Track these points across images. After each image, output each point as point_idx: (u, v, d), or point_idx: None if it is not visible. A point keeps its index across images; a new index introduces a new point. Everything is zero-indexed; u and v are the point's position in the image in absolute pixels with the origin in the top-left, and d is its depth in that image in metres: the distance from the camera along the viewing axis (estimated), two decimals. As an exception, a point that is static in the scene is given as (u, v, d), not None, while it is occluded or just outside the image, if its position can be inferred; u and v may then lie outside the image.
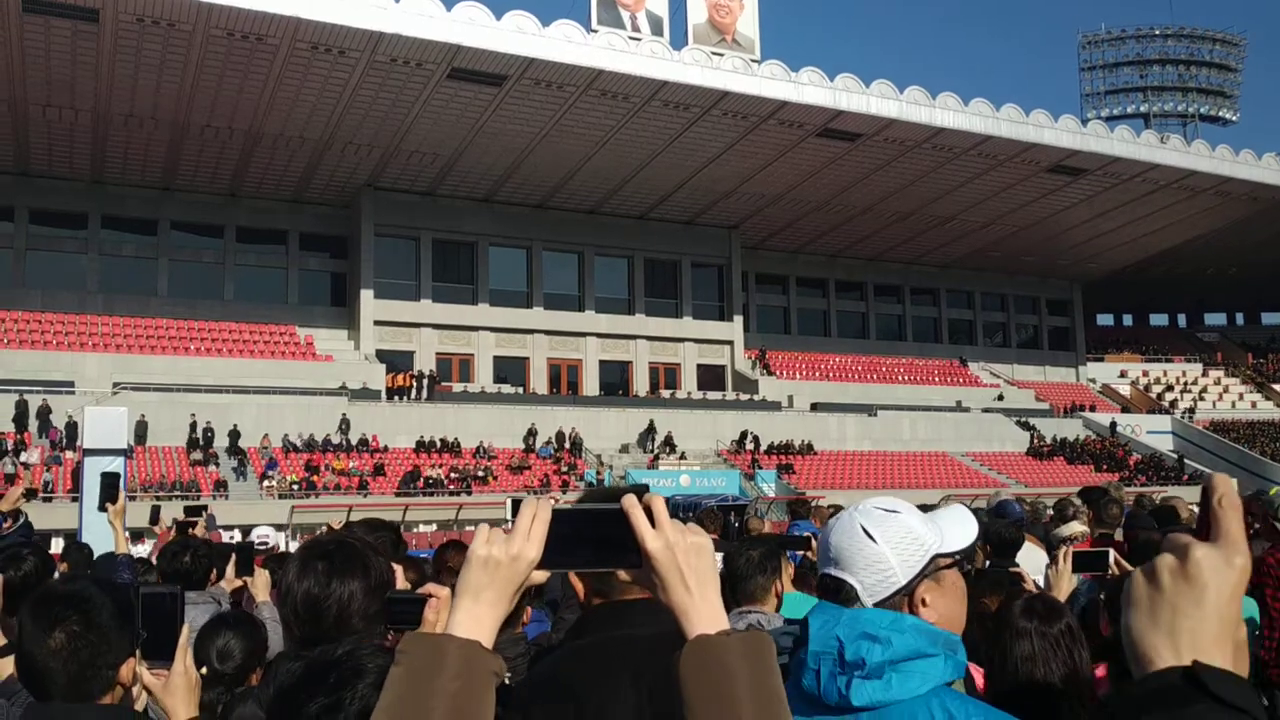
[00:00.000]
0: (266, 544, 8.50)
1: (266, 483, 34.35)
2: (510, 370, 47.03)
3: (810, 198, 48.15)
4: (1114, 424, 54.72)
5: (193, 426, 35.68)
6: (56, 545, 19.03)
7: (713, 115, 39.95)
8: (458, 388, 44.39)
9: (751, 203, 48.57)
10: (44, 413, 34.38)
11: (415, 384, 42.59)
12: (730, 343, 51.81)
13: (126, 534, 6.91)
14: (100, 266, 42.61)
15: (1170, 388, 63.54)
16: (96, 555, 7.11)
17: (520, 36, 35.25)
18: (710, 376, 51.01)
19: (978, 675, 3.12)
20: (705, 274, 51.87)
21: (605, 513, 1.35)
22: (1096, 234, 54.59)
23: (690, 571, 1.32)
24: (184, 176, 42.22)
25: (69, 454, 32.04)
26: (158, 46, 32.79)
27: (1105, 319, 74.17)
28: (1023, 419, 53.09)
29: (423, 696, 1.23)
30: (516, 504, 1.39)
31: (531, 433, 41.12)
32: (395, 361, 43.71)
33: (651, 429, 43.41)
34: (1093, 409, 57.74)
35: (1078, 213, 51.49)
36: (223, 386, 38.27)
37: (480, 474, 37.87)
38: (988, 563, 5.49)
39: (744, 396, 48.99)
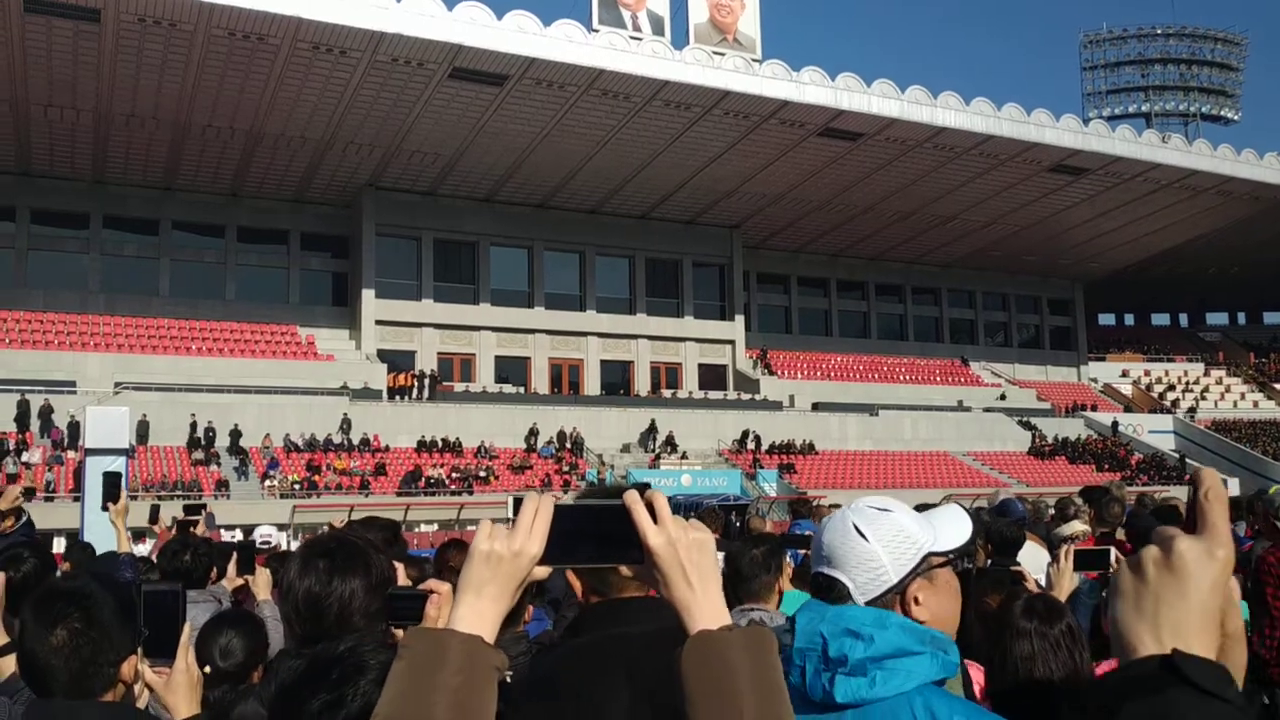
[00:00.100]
0: (269, 543, 8.50)
1: (268, 482, 34.37)
2: (511, 370, 47.04)
3: (811, 197, 48.15)
4: (1116, 424, 54.70)
5: (193, 426, 35.70)
6: (58, 545, 19.04)
7: (714, 115, 39.95)
8: (459, 387, 44.41)
9: (753, 202, 48.56)
10: (46, 412, 34.40)
11: (417, 384, 42.60)
12: (731, 342, 51.81)
13: (128, 533, 6.92)
14: (102, 266, 42.64)
15: (1172, 387, 63.51)
16: (98, 554, 7.10)
17: (521, 36, 35.26)
18: (712, 376, 51.01)
19: (979, 674, 3.12)
20: (706, 274, 51.87)
21: (607, 508, 1.36)
22: (1098, 233, 54.57)
23: (692, 567, 1.33)
24: (185, 176, 42.25)
25: (71, 454, 32.07)
26: (159, 46, 32.81)
27: (1107, 318, 74.16)
28: (1024, 419, 53.07)
29: (424, 691, 1.23)
30: (519, 502, 1.38)
31: (533, 432, 41.13)
32: (397, 361, 43.73)
33: (653, 429, 43.42)
34: (1094, 409, 57.73)
35: (1079, 212, 51.47)
36: (224, 386, 38.29)
37: (482, 474, 37.88)
38: (989, 561, 5.49)
39: (745, 396, 49.00)
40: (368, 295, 44.29)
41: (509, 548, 1.32)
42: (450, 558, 4.98)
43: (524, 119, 39.15)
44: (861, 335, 58.07)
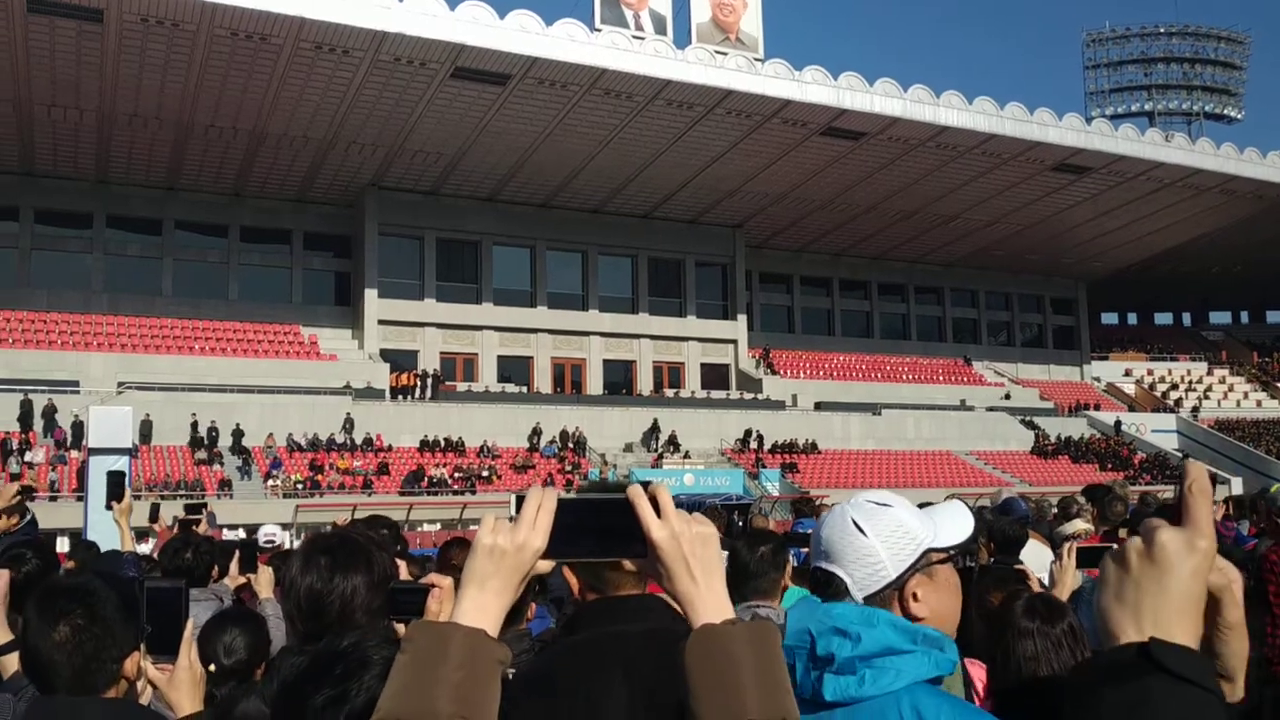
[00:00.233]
0: (273, 542, 8.52)
1: (271, 482, 34.41)
2: (514, 369, 47.06)
3: (814, 196, 48.13)
4: (1119, 423, 54.64)
5: (194, 426, 35.72)
6: (62, 545, 19.05)
7: (716, 114, 39.94)
8: (462, 387, 44.43)
9: (755, 202, 48.55)
10: (49, 412, 34.44)
11: (419, 383, 42.62)
12: (734, 342, 51.80)
13: (131, 532, 6.92)
14: (105, 266, 42.69)
15: (1175, 386, 63.43)
16: (102, 553, 7.11)
17: (524, 36, 35.27)
18: (714, 375, 51.01)
19: (980, 671, 3.12)
20: (709, 273, 51.86)
21: (610, 502, 1.36)
22: (1101, 232, 54.51)
23: (695, 561, 1.33)
24: (188, 176, 42.29)
25: (74, 453, 32.11)
26: (162, 46, 32.85)
27: (1110, 318, 74.09)
28: (1027, 418, 53.02)
29: (427, 684, 1.23)
30: (521, 499, 1.39)
31: (535, 432, 41.14)
32: (399, 361, 43.75)
33: (655, 428, 43.42)
34: (1097, 408, 57.67)
35: (1082, 211, 51.43)
36: (227, 386, 38.33)
37: (484, 473, 37.89)
38: (991, 560, 5.48)
39: (748, 395, 48.99)
40: (370, 295, 44.31)
41: (512, 542, 1.32)
42: (453, 556, 4.97)
43: (526, 118, 39.15)
44: (864, 335, 58.05)
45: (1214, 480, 1.42)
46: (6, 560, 3.88)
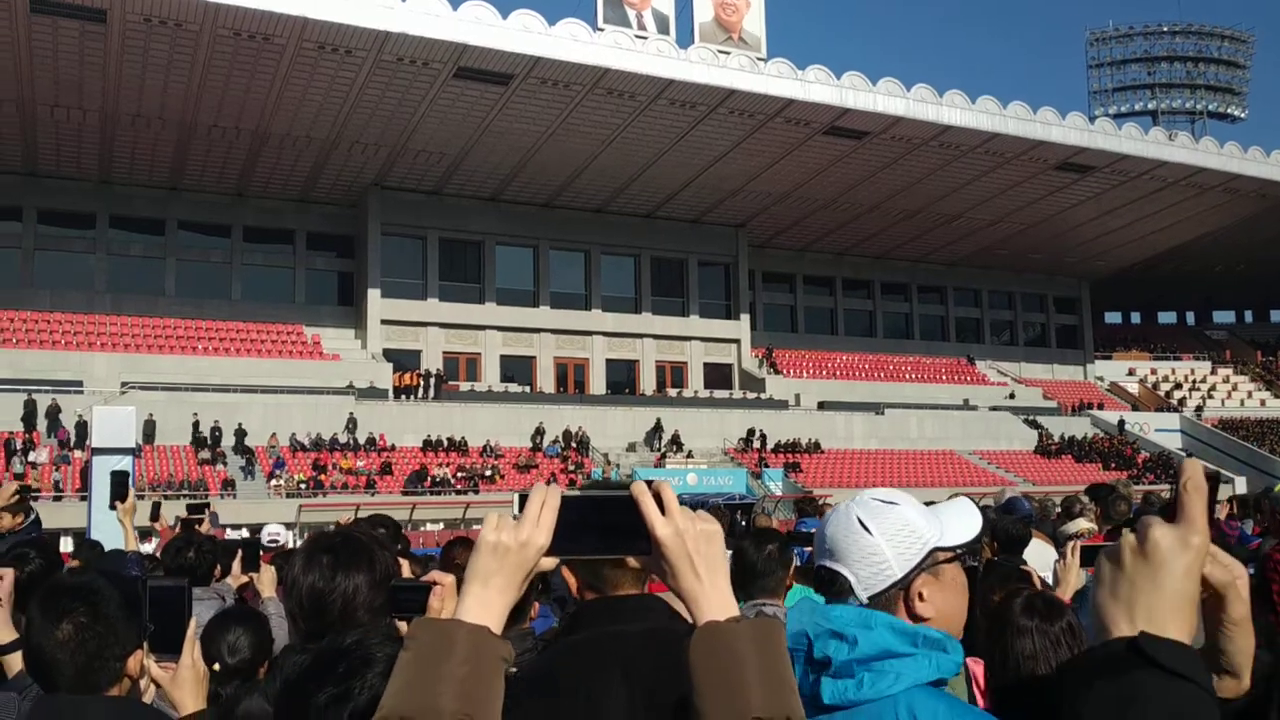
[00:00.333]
0: (276, 542, 8.53)
1: (274, 482, 34.43)
2: (517, 369, 47.07)
3: (817, 196, 48.11)
4: (1122, 422, 54.58)
5: (195, 426, 35.74)
6: (65, 545, 19.07)
7: (719, 113, 39.93)
8: (465, 387, 44.44)
9: (758, 201, 48.53)
10: (53, 412, 34.47)
11: (422, 383, 42.64)
12: (737, 341, 51.78)
13: (135, 532, 6.93)
14: (108, 266, 42.74)
15: (1179, 385, 63.34)
16: (106, 552, 7.12)
17: (526, 35, 35.27)
18: (717, 375, 51.00)
19: (979, 668, 3.11)
20: (712, 272, 51.85)
21: (615, 499, 1.35)
22: (1104, 231, 54.45)
23: (700, 558, 1.32)
24: (191, 176, 42.32)
25: (77, 453, 32.14)
26: (165, 46, 32.87)
27: (1113, 317, 74.00)
28: (1030, 417, 52.97)
29: (431, 681, 1.23)
30: (525, 498, 1.38)
31: (538, 431, 41.15)
32: (402, 360, 43.77)
33: (658, 428, 43.42)
34: (1101, 407, 57.60)
35: (1085, 210, 51.37)
36: (230, 386, 38.37)
37: (487, 473, 37.91)
38: (995, 559, 5.47)
39: (751, 395, 48.98)
40: (373, 295, 44.34)
41: (516, 538, 1.32)
42: (456, 555, 4.97)
43: (529, 118, 39.16)
44: (867, 334, 58.02)
45: (1216, 479, 1.41)
46: (10, 559, 3.88)
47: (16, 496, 5.57)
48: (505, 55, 35.16)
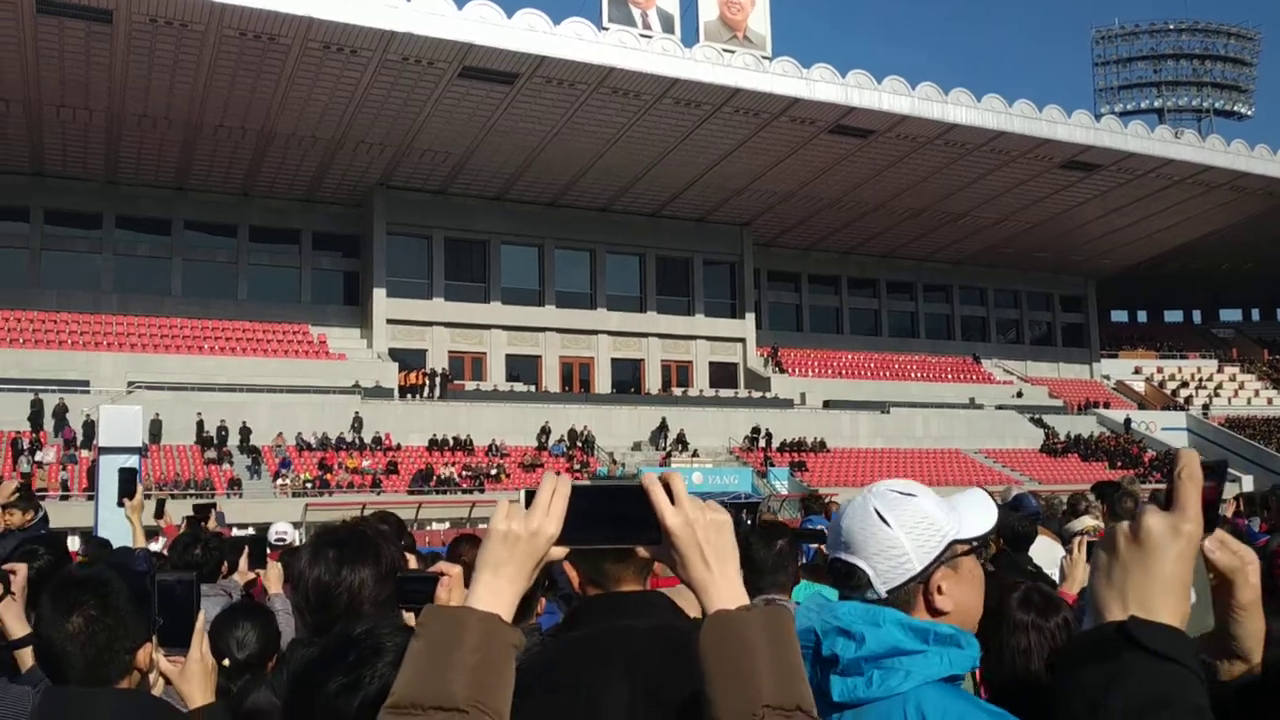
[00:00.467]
0: (284, 540, 8.53)
1: (280, 481, 34.48)
2: (522, 368, 47.10)
3: (822, 194, 48.06)
4: (1129, 420, 54.47)
5: (200, 425, 35.80)
6: (73, 544, 19.13)
7: (724, 112, 39.91)
8: (470, 386, 44.48)
9: (763, 200, 48.50)
10: (60, 412, 34.56)
11: (428, 382, 42.67)
12: (742, 340, 51.75)
13: (143, 529, 6.94)
14: (115, 266, 42.82)
15: (1185, 384, 63.20)
16: (114, 549, 7.14)
17: (531, 35, 35.28)
18: (722, 374, 50.98)
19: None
20: (717, 271, 51.83)
21: (625, 489, 1.36)
22: (1110, 230, 54.34)
23: (709, 548, 1.33)
24: (197, 176, 42.40)
25: (84, 453, 32.22)
26: (171, 47, 32.93)
27: (1119, 315, 73.84)
28: (1036, 416, 52.90)
29: (443, 669, 1.23)
30: (530, 495, 1.39)
31: (544, 431, 41.17)
32: (408, 360, 43.80)
33: (664, 427, 43.42)
34: (1107, 406, 57.50)
35: (1091, 209, 51.26)
36: (236, 385, 38.44)
37: (493, 472, 37.93)
38: (1004, 553, 5.47)
39: (756, 394, 48.95)
40: (379, 294, 44.39)
41: (526, 527, 1.32)
42: (463, 552, 4.97)
43: (534, 117, 39.17)
44: (873, 333, 57.96)
45: (1223, 466, 1.40)
46: (19, 556, 3.90)
47: (16, 494, 5.59)
48: (510, 54, 35.17)
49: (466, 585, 1.39)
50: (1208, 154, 47.34)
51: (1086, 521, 7.70)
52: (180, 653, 2.50)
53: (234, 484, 33.64)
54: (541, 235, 47.78)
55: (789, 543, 4.10)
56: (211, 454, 35.10)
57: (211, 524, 8.06)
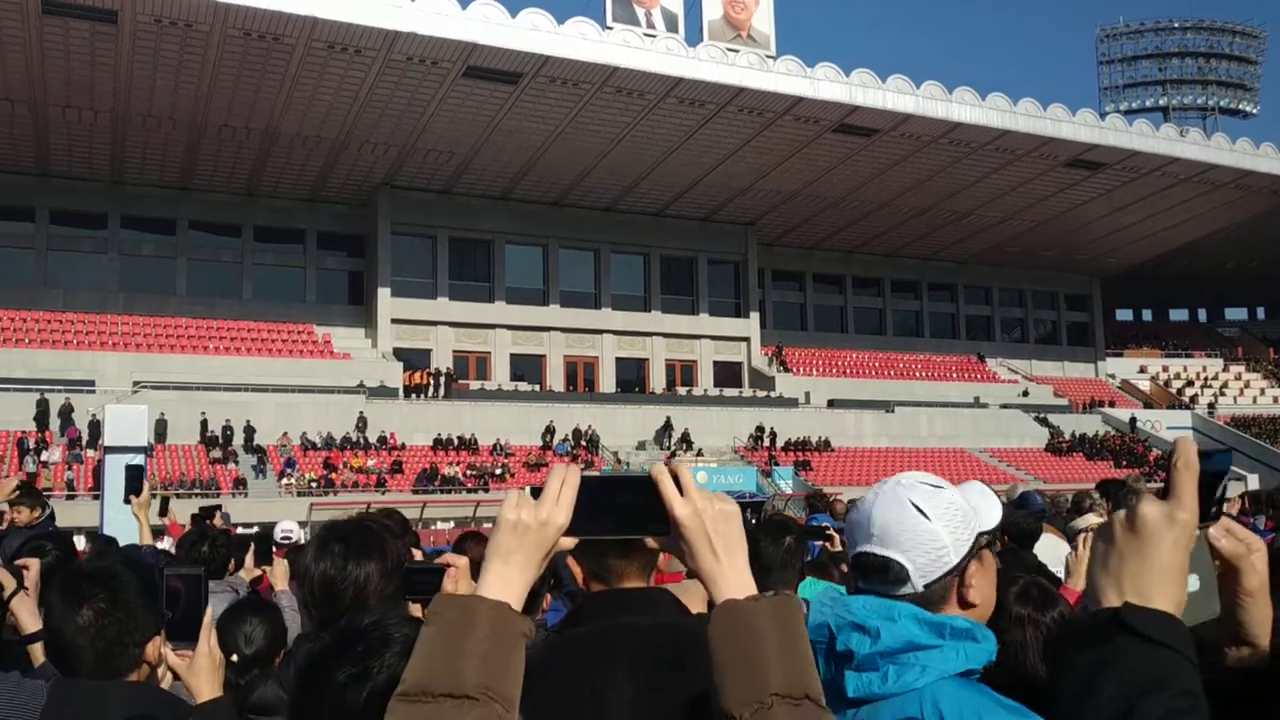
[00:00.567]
0: (289, 538, 8.55)
1: (285, 480, 34.52)
2: (527, 368, 47.11)
3: (826, 193, 48.03)
4: (1134, 420, 54.37)
5: (204, 425, 35.84)
6: (79, 543, 19.15)
7: (728, 111, 39.89)
8: (475, 385, 44.50)
9: (767, 199, 48.47)
10: (65, 411, 34.63)
11: (432, 382, 42.71)
12: (747, 339, 51.73)
13: (149, 526, 6.96)
14: (120, 266, 42.90)
15: (1190, 383, 63.08)
16: (121, 547, 7.15)
17: (535, 34, 35.29)
18: (727, 373, 50.96)
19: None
20: (721, 270, 51.81)
21: (634, 480, 1.36)
22: (1115, 228, 54.24)
23: (718, 538, 1.33)
24: (202, 176, 42.47)
25: (90, 452, 32.28)
26: (175, 47, 32.99)
27: (1124, 314, 73.68)
28: (1041, 415, 52.82)
29: (454, 656, 1.24)
30: (535, 492, 1.40)
31: (549, 430, 41.19)
32: (412, 359, 43.84)
33: (668, 426, 43.41)
34: (1112, 405, 57.40)
35: (1096, 207, 51.18)
36: (241, 385, 38.48)
37: (498, 471, 37.95)
38: (1010, 548, 5.47)
39: (761, 393, 48.92)
40: (383, 294, 44.42)
41: (536, 517, 1.33)
42: (468, 549, 4.98)
43: (538, 117, 39.18)
44: (877, 332, 57.91)
45: (1216, 455, 1.40)
46: (27, 552, 3.92)
47: (16, 492, 5.60)
48: (514, 54, 35.19)
49: (474, 578, 1.40)
50: (1213, 152, 47.25)
51: (1091, 519, 7.69)
52: (188, 647, 2.51)
53: (239, 484, 33.69)
54: (546, 235, 47.79)
55: (796, 539, 4.09)
56: (216, 454, 35.15)
57: (218, 521, 8.07)
